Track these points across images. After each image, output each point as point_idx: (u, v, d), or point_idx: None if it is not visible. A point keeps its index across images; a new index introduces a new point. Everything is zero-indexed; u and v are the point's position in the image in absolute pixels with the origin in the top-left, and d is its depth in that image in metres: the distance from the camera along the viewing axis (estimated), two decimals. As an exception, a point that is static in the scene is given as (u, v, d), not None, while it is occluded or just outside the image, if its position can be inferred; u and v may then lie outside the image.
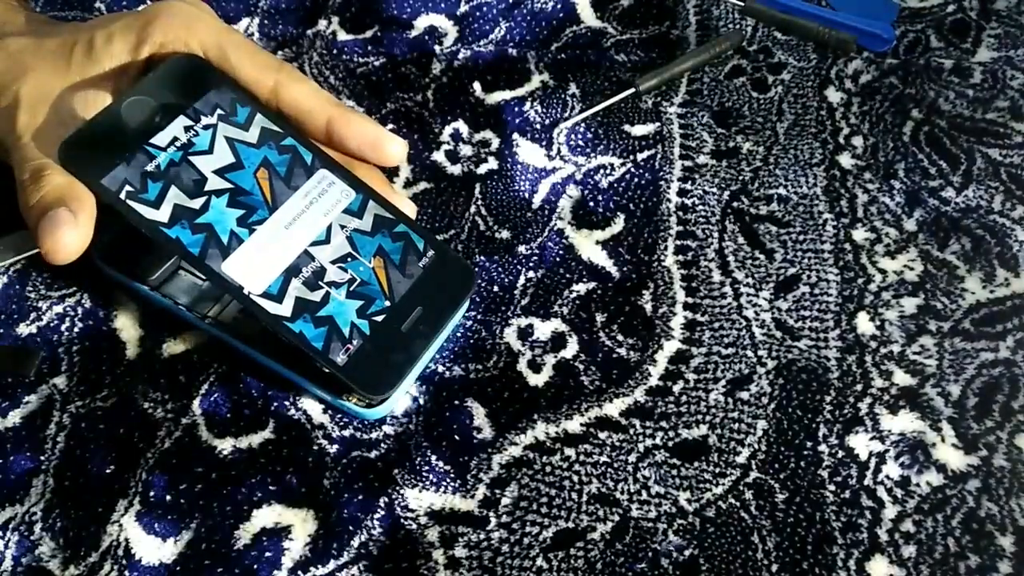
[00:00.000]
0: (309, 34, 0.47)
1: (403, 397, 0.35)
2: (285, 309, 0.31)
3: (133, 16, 0.35)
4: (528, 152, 0.43)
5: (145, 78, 0.33)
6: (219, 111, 0.33)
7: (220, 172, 0.32)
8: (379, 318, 0.32)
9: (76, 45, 0.34)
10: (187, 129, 0.33)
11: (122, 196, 0.31)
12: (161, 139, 0.32)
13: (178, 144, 0.32)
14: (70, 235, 0.30)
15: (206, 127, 0.33)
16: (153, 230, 0.31)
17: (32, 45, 0.35)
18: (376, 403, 0.33)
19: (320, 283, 0.32)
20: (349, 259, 0.32)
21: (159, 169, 0.32)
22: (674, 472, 0.34)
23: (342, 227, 0.33)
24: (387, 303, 0.32)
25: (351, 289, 0.32)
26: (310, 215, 0.33)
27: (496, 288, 0.39)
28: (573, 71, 0.46)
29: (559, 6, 0.49)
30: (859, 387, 0.36)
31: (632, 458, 0.34)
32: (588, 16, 0.49)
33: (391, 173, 0.42)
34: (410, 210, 0.36)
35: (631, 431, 0.35)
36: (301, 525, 0.33)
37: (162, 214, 0.31)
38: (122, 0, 0.48)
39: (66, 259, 0.30)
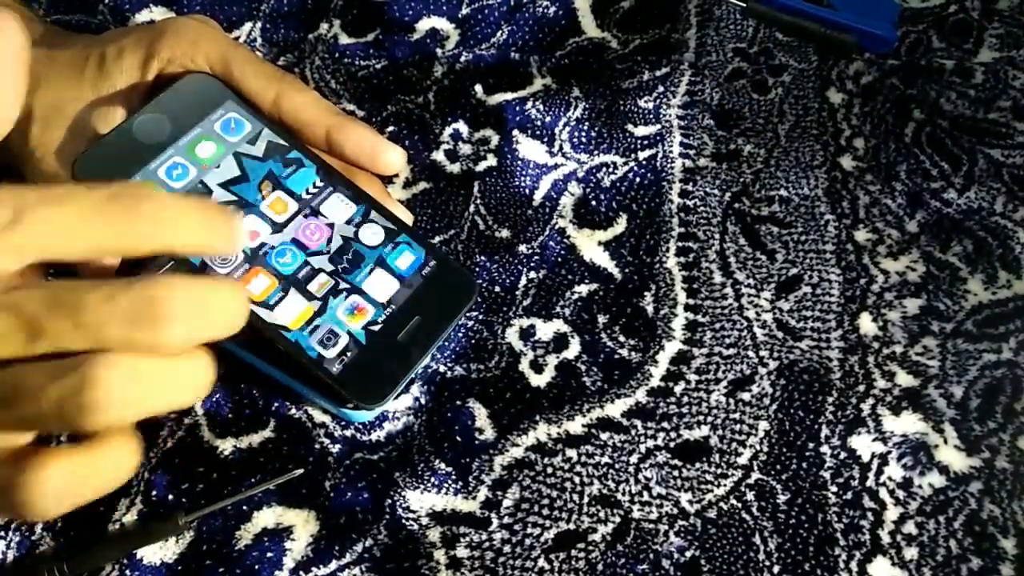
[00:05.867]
0: (311, 38, 0.47)
1: (402, 396, 0.35)
2: (283, 318, 0.31)
3: (142, 32, 0.36)
4: (529, 148, 0.43)
5: (158, 97, 0.34)
6: (227, 127, 0.34)
7: (226, 185, 0.33)
8: (376, 328, 0.32)
9: (88, 59, 0.35)
10: (196, 145, 0.34)
11: None
12: (171, 155, 0.33)
13: (187, 159, 0.33)
14: None
15: (214, 143, 0.34)
16: None
17: (47, 57, 0.36)
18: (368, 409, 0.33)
19: (319, 293, 0.32)
20: (349, 269, 0.33)
21: (168, 183, 0.33)
22: (675, 473, 0.34)
23: (343, 237, 0.33)
24: (385, 313, 0.32)
25: (349, 299, 0.32)
26: (311, 226, 0.33)
27: (497, 288, 0.39)
28: (576, 75, 0.46)
29: (560, 11, 0.49)
30: (861, 388, 0.36)
31: (633, 459, 0.34)
32: (589, 21, 0.49)
33: (388, 175, 0.42)
34: (407, 219, 0.36)
35: (632, 432, 0.35)
36: (303, 525, 0.33)
37: None
38: (125, 3, 0.48)
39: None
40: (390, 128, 0.44)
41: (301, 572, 0.32)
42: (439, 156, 0.43)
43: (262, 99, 0.35)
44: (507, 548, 0.32)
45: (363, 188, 0.35)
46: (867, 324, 0.38)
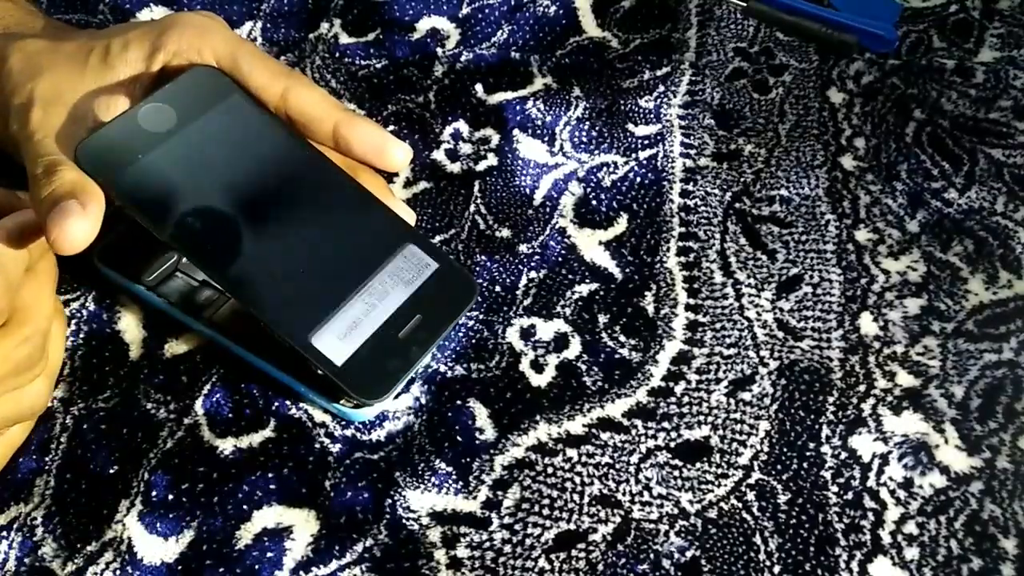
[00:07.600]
0: (311, 38, 0.47)
1: (403, 396, 0.35)
2: (284, 312, 0.31)
3: (149, 25, 0.36)
4: (529, 147, 0.43)
5: (164, 87, 0.34)
6: (233, 120, 0.34)
7: (230, 178, 0.33)
8: (377, 324, 0.32)
9: (92, 50, 0.35)
10: (202, 137, 0.33)
11: (134, 198, 0.32)
12: (176, 146, 0.33)
13: (192, 151, 0.33)
14: (78, 226, 0.30)
15: (219, 136, 0.34)
16: (161, 232, 0.31)
17: (49, 48, 0.36)
18: (367, 406, 0.33)
19: (320, 288, 0.32)
20: (351, 265, 0.33)
21: (172, 174, 0.32)
22: (676, 473, 0.34)
23: (346, 234, 0.33)
24: (386, 310, 0.32)
25: (351, 294, 0.32)
26: (315, 221, 0.33)
27: (498, 288, 0.39)
28: (577, 75, 0.46)
29: (561, 11, 0.49)
30: (862, 388, 0.36)
31: (634, 459, 0.34)
32: (589, 21, 0.49)
33: (391, 172, 0.42)
34: (409, 218, 0.36)
35: (633, 432, 0.35)
36: (303, 525, 0.33)
37: (171, 217, 0.32)
38: (125, 3, 0.48)
39: (71, 250, 0.31)
40: (391, 127, 0.44)
41: (301, 572, 0.32)
42: (439, 155, 0.43)
43: (269, 94, 0.35)
44: (507, 548, 0.32)
45: (366, 185, 0.35)
46: (868, 324, 0.38)
